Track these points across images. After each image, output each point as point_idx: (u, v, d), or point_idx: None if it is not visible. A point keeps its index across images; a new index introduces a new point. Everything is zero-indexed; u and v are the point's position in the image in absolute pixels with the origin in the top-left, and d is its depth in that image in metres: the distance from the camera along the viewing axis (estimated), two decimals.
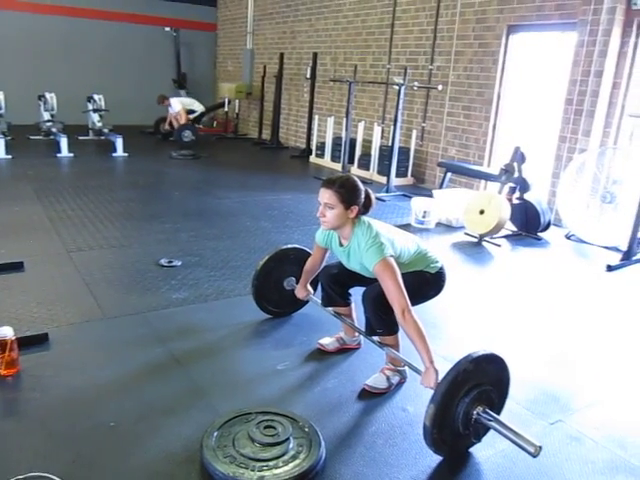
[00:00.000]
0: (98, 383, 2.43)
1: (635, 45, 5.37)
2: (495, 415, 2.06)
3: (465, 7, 6.82)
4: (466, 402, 2.01)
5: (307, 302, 3.07)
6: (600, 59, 5.39)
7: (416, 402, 2.44)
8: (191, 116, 10.10)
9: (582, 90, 5.54)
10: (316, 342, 2.80)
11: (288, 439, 2.01)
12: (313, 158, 8.97)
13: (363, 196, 2.43)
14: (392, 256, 2.33)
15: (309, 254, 2.93)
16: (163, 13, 11.81)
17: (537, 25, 6.16)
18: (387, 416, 2.33)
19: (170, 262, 3.89)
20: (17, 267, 3.66)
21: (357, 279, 2.65)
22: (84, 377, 2.47)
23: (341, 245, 2.53)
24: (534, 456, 1.89)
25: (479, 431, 2.09)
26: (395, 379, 2.56)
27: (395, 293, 2.23)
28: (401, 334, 2.44)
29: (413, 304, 2.27)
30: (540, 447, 1.88)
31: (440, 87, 6.55)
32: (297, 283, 2.98)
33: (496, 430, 2.03)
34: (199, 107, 10.43)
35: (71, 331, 2.87)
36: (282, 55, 9.80)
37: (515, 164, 5.19)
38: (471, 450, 2.15)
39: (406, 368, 2.57)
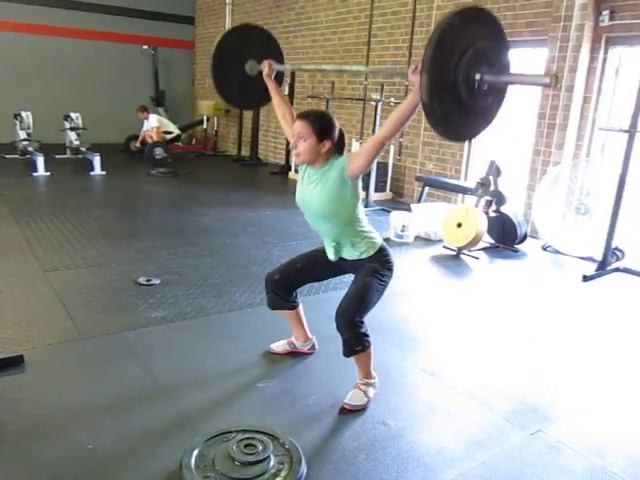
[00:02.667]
0: (76, 405, 2.39)
1: (604, 60, 5.53)
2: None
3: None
4: (463, 64, 1.85)
5: (268, 98, 2.85)
6: (570, 74, 5.53)
7: (397, 416, 2.45)
8: (167, 137, 10.01)
9: (554, 104, 5.67)
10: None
11: (268, 457, 1.99)
12: (292, 174, 8.98)
13: (337, 132, 2.42)
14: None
15: (271, 36, 2.99)
16: (141, 31, 11.82)
17: (509, 42, 6.28)
18: (368, 431, 2.32)
19: (149, 280, 3.86)
20: None
21: (302, 276, 2.70)
22: (61, 399, 2.42)
23: (312, 167, 2.44)
24: (551, 86, 1.80)
25: (486, 94, 1.90)
26: (371, 392, 2.56)
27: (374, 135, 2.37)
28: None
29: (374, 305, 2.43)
30: (555, 75, 1.79)
31: None
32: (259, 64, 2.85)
33: (505, 82, 1.90)
34: (175, 130, 10.33)
35: (47, 352, 2.83)
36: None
37: (491, 177, 5.27)
38: (450, 462, 2.15)
39: (377, 379, 2.60)
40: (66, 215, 5.63)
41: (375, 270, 2.45)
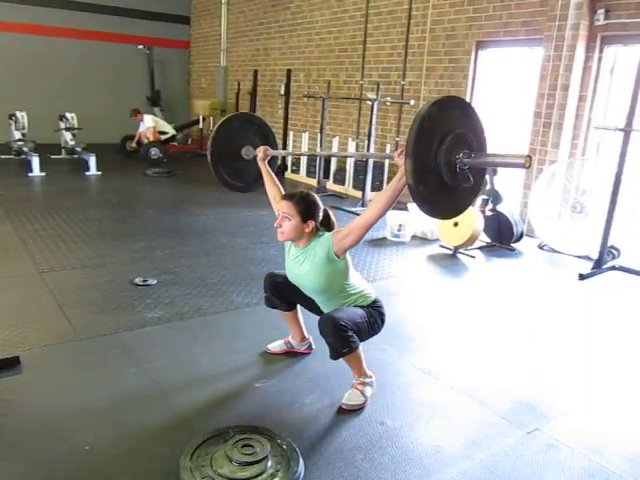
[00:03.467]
0: (72, 406, 2.38)
1: (599, 59, 5.54)
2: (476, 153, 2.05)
3: (435, 24, 6.95)
4: (443, 150, 1.98)
5: (261, 182, 3.03)
6: (566, 73, 5.54)
7: (394, 415, 2.45)
8: (162, 137, 9.96)
9: (550, 103, 5.68)
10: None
11: (266, 457, 1.99)
12: (289, 174, 8.99)
13: (321, 214, 2.51)
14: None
15: (260, 120, 3.20)
16: (136, 31, 11.78)
17: (505, 41, 6.31)
18: (366, 430, 2.32)
19: (145, 281, 3.85)
20: None
21: (299, 297, 2.71)
22: (58, 400, 2.42)
23: (297, 247, 2.54)
24: (526, 167, 1.91)
25: (466, 176, 2.05)
26: (368, 391, 2.55)
27: (358, 221, 2.36)
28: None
29: (364, 339, 2.48)
30: (529, 156, 1.90)
31: (412, 102, 6.65)
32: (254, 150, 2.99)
33: (483, 164, 2.06)
34: (170, 130, 10.27)
35: (44, 353, 2.81)
36: (256, 72, 9.85)
37: (487, 176, 5.27)
38: (448, 462, 2.15)
39: (373, 378, 2.60)
40: (62, 215, 5.61)
41: (364, 308, 2.51)
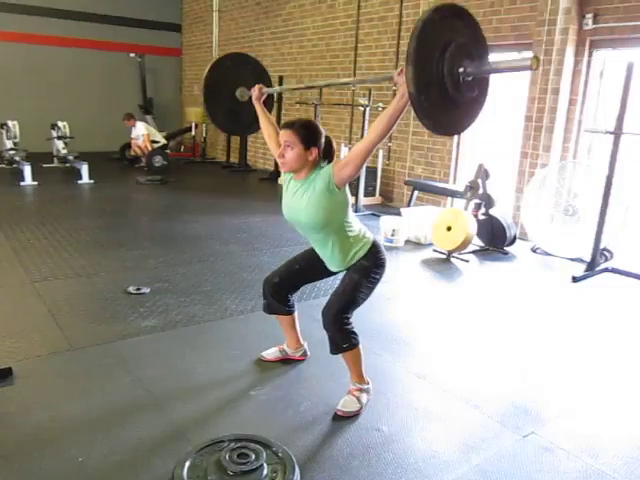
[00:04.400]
0: (66, 417, 2.36)
1: (588, 63, 5.58)
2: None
3: None
4: (446, 59, 1.93)
5: (257, 125, 2.89)
6: (556, 77, 5.58)
7: (390, 421, 2.44)
8: (154, 145, 9.92)
9: (540, 107, 5.72)
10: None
11: (262, 466, 1.98)
12: (282, 180, 8.97)
13: (323, 140, 2.42)
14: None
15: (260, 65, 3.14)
16: (128, 39, 11.78)
17: (495, 46, 6.33)
18: (361, 437, 2.32)
19: (138, 289, 3.83)
20: None
21: (300, 278, 2.72)
22: (51, 411, 2.40)
23: (297, 180, 2.45)
24: (533, 68, 1.87)
25: (471, 86, 2.01)
26: (364, 398, 2.54)
27: (360, 142, 2.28)
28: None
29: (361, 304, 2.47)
30: (536, 57, 1.85)
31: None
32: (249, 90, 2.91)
33: (488, 72, 2.02)
34: (161, 139, 10.18)
35: (37, 364, 2.79)
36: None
37: (479, 181, 5.30)
38: (444, 467, 2.15)
39: (370, 385, 2.59)
40: (54, 224, 5.59)
41: (365, 268, 2.44)
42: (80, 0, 11.16)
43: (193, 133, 11.47)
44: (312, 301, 3.80)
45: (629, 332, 3.65)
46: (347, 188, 2.41)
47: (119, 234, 5.44)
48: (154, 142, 9.92)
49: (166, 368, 2.82)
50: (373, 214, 6.63)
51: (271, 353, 2.96)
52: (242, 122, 3.05)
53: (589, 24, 5.43)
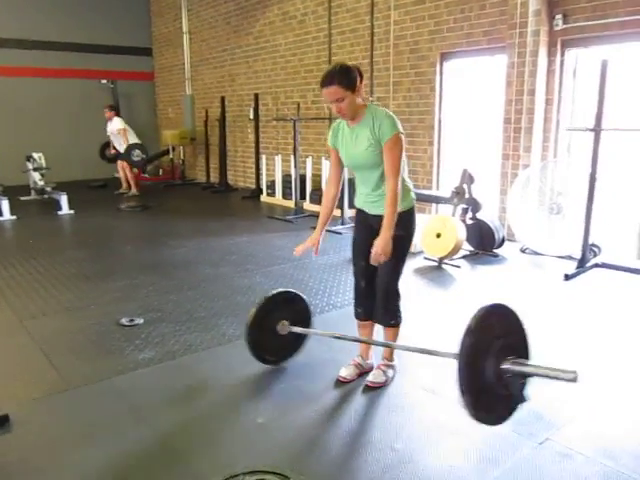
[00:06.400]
0: (68, 464, 2.27)
1: (561, 63, 5.66)
2: (524, 361, 2.12)
3: (398, 39, 7.04)
4: (492, 360, 2.04)
5: (303, 344, 3.04)
6: (531, 79, 5.65)
7: (404, 438, 2.40)
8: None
9: (518, 109, 5.78)
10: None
11: None
12: (264, 197, 8.95)
13: (357, 72, 2.51)
14: (402, 134, 2.53)
15: (296, 295, 3.01)
16: (98, 66, 11.66)
17: (468, 51, 6.41)
18: (377, 458, 2.26)
19: (131, 321, 3.74)
20: None
21: (370, 267, 2.74)
22: (52, 458, 2.30)
23: (349, 127, 2.62)
24: (574, 381, 2.00)
25: (517, 385, 2.09)
26: (390, 372, 2.88)
27: (397, 163, 2.52)
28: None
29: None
30: (575, 372, 1.99)
31: None
32: (290, 325, 2.96)
33: (531, 374, 2.09)
34: (138, 141, 9.85)
35: (34, 408, 2.70)
36: (223, 98, 9.83)
37: (465, 186, 5.32)
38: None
39: (396, 362, 2.95)
40: (37, 259, 5.46)
41: (402, 239, 2.65)
42: (48, 30, 11.04)
43: (171, 156, 11.38)
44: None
45: (632, 326, 3.66)
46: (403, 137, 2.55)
47: (105, 265, 5.34)
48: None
49: (168, 402, 2.73)
50: None
51: (350, 373, 2.91)
52: (281, 354, 3.06)
53: (559, 24, 5.51)
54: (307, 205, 7.95)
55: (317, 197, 7.88)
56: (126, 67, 12.13)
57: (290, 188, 8.08)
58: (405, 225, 2.66)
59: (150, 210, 8.25)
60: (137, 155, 9.22)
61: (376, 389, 2.82)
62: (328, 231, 6.41)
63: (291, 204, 7.91)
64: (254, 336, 2.88)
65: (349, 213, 6.95)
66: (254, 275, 4.81)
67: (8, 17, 10.66)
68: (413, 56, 6.92)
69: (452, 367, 3.08)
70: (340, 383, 2.87)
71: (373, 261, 2.56)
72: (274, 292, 2.97)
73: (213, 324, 3.70)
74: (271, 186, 8.79)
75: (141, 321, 3.75)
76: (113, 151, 9.75)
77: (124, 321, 3.74)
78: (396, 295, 2.80)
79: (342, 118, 2.60)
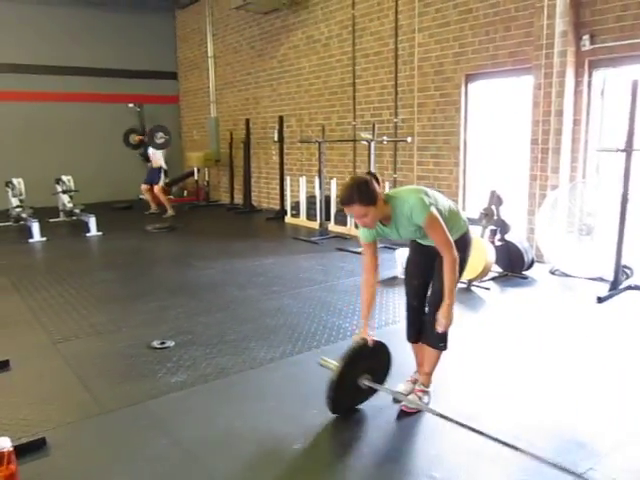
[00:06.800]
0: None
1: (589, 84, 5.63)
2: None
3: (422, 61, 7.08)
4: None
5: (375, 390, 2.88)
6: (558, 99, 5.62)
7: (442, 467, 2.36)
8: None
9: (545, 129, 5.74)
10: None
11: None
12: (288, 218, 8.99)
13: (375, 182, 2.54)
14: (431, 204, 2.56)
15: (381, 344, 2.88)
16: (125, 90, 11.94)
17: (493, 72, 6.42)
18: None
19: (163, 343, 3.76)
20: (3, 366, 3.48)
21: (425, 287, 2.85)
22: None
23: (385, 226, 2.66)
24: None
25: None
26: (425, 399, 2.86)
27: (444, 238, 2.55)
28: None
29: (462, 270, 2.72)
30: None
31: (409, 139, 6.73)
32: (373, 380, 2.81)
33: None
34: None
35: (69, 432, 2.71)
36: (248, 121, 9.97)
37: (493, 207, 5.28)
38: None
39: (431, 389, 2.92)
40: (68, 280, 5.54)
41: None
42: (78, 55, 11.36)
43: (196, 177, 11.53)
44: (330, 346, 3.72)
45: None
46: (434, 209, 2.56)
47: (134, 286, 5.39)
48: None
49: (203, 426, 2.73)
50: (386, 247, 6.58)
51: (407, 389, 2.93)
52: (360, 401, 2.91)
53: (587, 45, 5.49)
54: (332, 226, 7.96)
55: (342, 218, 7.90)
56: (152, 91, 12.40)
57: (314, 209, 8.12)
58: (459, 249, 2.65)
59: (176, 231, 8.34)
60: (160, 137, 9.43)
61: (411, 415, 2.79)
62: (354, 252, 6.41)
63: (315, 225, 7.94)
64: (337, 393, 2.68)
65: None
66: (282, 297, 4.81)
67: (41, 45, 10.99)
68: (438, 78, 6.95)
69: (489, 393, 3.04)
70: (373, 409, 2.84)
71: (438, 327, 2.66)
72: (359, 344, 2.77)
73: (244, 347, 3.70)
74: (295, 207, 8.84)
75: (172, 344, 3.77)
76: (136, 139, 10.12)
77: (155, 344, 3.76)
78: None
79: (367, 228, 2.65)
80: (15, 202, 8.84)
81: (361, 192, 2.48)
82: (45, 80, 11.15)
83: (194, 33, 12.03)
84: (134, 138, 10.31)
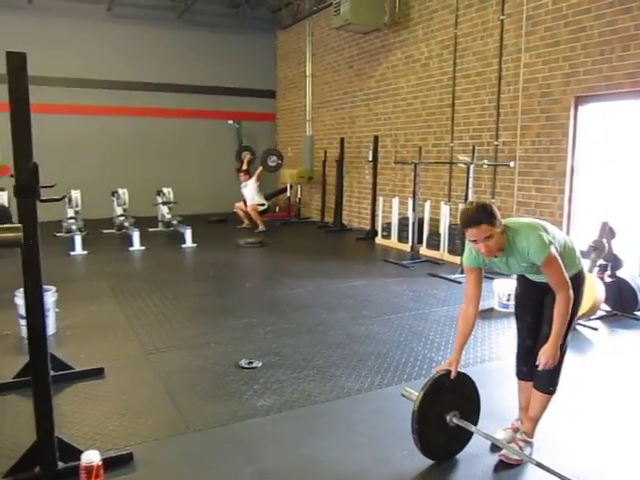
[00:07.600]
0: None
1: None
2: None
3: (528, 82, 6.75)
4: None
5: (469, 439, 2.68)
6: None
7: None
8: (259, 208, 10.15)
9: None
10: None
11: None
12: (379, 239, 8.85)
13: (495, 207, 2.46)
14: (551, 242, 2.43)
15: (466, 377, 2.68)
16: (225, 107, 12.38)
17: (608, 95, 5.98)
18: None
19: (250, 363, 3.73)
20: (98, 373, 3.59)
21: (538, 325, 2.67)
22: None
23: (495, 256, 2.52)
24: None
25: None
26: (527, 450, 2.61)
27: (563, 279, 2.43)
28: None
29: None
30: None
31: (512, 164, 6.42)
32: (461, 417, 2.59)
33: None
34: (265, 202, 10.42)
35: (155, 448, 2.71)
36: (342, 140, 9.97)
37: (604, 240, 4.87)
38: None
39: (534, 442, 2.65)
40: (162, 290, 5.71)
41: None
42: (182, 74, 11.91)
43: (288, 194, 11.68)
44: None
45: None
46: (553, 248, 2.43)
47: (225, 300, 5.45)
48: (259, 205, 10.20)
49: (288, 457, 2.63)
50: (485, 276, 6.27)
51: (507, 437, 2.67)
52: (454, 446, 2.69)
53: None
54: (423, 250, 7.73)
55: (435, 242, 7.65)
56: (251, 108, 12.76)
57: (406, 231, 7.92)
58: (572, 287, 2.48)
59: (267, 247, 8.43)
60: (273, 161, 9.75)
61: (512, 467, 2.54)
62: (446, 279, 6.16)
63: (406, 247, 7.73)
64: (422, 426, 2.49)
65: None
66: (372, 323, 4.66)
67: (154, 65, 11.63)
68: (544, 100, 6.58)
69: (607, 445, 2.69)
70: (468, 456, 2.62)
71: (541, 367, 2.52)
72: (441, 372, 2.60)
73: (331, 374, 3.58)
74: (387, 228, 8.68)
75: (259, 364, 3.72)
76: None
77: (243, 363, 3.73)
78: (562, 357, 2.59)
79: (486, 256, 2.47)
80: (119, 211, 9.35)
81: (487, 213, 2.39)
82: (151, 96, 11.74)
83: (294, 52, 12.27)
84: (246, 157, 10.68)
